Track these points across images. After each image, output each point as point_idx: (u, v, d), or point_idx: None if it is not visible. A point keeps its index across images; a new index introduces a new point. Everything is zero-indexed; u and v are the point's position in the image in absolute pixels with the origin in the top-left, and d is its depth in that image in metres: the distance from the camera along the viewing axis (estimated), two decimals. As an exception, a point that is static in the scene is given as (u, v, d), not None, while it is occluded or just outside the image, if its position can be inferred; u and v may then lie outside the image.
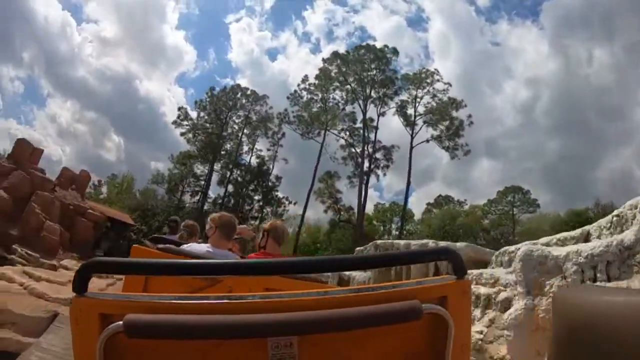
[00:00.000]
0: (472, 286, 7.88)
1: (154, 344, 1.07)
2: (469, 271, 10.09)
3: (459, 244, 12.16)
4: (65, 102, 59.89)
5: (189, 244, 3.05)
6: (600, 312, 1.32)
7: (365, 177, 41.85)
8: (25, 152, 24.73)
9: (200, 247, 2.94)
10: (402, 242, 13.85)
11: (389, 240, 15.06)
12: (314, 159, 42.04)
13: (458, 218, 41.45)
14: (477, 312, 7.77)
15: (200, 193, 41.72)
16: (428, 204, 46.34)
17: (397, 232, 45.98)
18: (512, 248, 8.81)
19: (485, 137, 47.87)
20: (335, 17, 63.17)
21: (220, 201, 42.03)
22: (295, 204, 43.38)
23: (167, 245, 2.54)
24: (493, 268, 9.15)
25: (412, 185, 42.99)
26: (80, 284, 1.09)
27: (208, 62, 66.43)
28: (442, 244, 11.95)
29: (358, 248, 15.40)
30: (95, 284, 10.53)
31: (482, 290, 8.05)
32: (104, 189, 49.79)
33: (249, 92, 44.17)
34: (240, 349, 1.10)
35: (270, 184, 43.14)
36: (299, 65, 59.50)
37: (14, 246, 19.94)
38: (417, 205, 53.78)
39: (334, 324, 1.09)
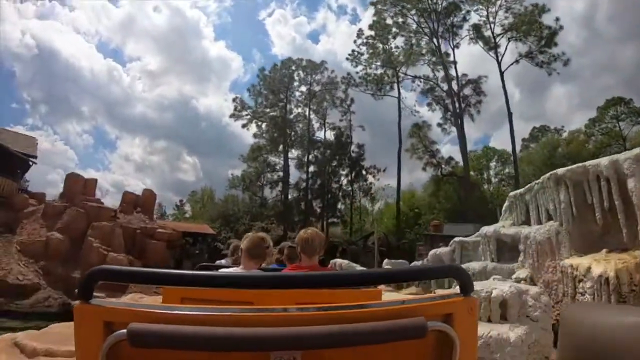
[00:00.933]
0: None
1: (156, 353, 1.06)
2: None
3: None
4: (134, 139, 64.52)
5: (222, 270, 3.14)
6: (608, 333, 1.23)
7: (459, 120, 34.71)
8: (77, 186, 22.03)
9: (229, 272, 2.90)
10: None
11: None
12: (390, 122, 36.07)
13: (558, 149, 36.23)
14: None
15: (280, 183, 36.99)
16: (524, 139, 40.06)
17: (496, 179, 41.33)
18: None
19: (552, 60, 39.66)
20: (366, -20, 57.86)
21: (303, 185, 37.06)
22: (384, 170, 37.56)
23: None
24: None
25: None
26: (85, 291, 1.10)
27: (255, 63, 69.05)
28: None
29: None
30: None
31: None
32: (187, 207, 49.12)
33: (304, 62, 38.77)
34: None
35: (353, 154, 37.62)
36: (343, 39, 55.46)
37: (77, 290, 16.88)
38: (507, 147, 46.77)
39: (338, 340, 1.07)
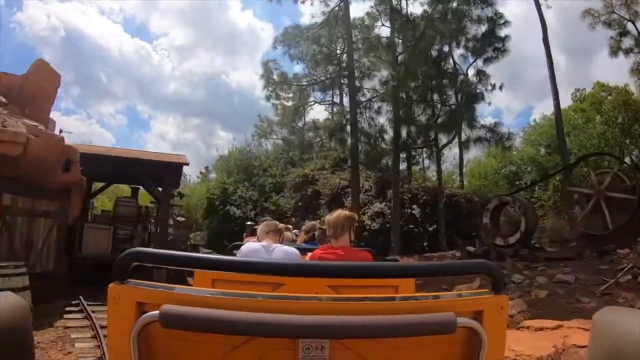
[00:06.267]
0: None
1: (185, 334, 1.07)
2: None
3: None
4: (167, 118, 65.96)
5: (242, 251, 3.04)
6: None
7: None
8: None
9: (253, 246, 2.98)
10: None
11: None
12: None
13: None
14: None
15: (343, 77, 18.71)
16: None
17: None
18: None
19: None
20: None
21: (382, 89, 17.40)
22: (501, 88, 19.84)
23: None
24: None
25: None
26: (120, 272, 1.11)
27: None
28: None
29: None
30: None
31: None
32: (214, 175, 39.21)
33: None
34: (269, 346, 1.09)
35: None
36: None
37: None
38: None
39: (368, 331, 1.06)
